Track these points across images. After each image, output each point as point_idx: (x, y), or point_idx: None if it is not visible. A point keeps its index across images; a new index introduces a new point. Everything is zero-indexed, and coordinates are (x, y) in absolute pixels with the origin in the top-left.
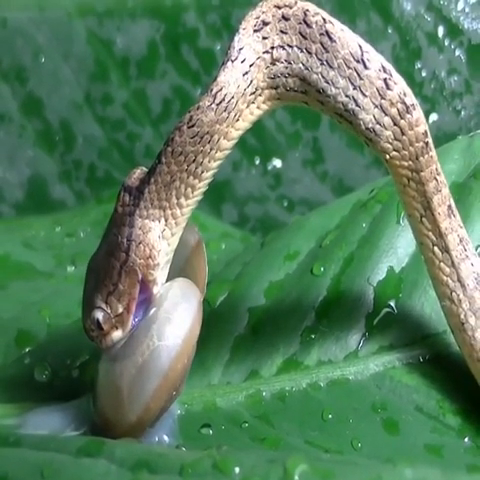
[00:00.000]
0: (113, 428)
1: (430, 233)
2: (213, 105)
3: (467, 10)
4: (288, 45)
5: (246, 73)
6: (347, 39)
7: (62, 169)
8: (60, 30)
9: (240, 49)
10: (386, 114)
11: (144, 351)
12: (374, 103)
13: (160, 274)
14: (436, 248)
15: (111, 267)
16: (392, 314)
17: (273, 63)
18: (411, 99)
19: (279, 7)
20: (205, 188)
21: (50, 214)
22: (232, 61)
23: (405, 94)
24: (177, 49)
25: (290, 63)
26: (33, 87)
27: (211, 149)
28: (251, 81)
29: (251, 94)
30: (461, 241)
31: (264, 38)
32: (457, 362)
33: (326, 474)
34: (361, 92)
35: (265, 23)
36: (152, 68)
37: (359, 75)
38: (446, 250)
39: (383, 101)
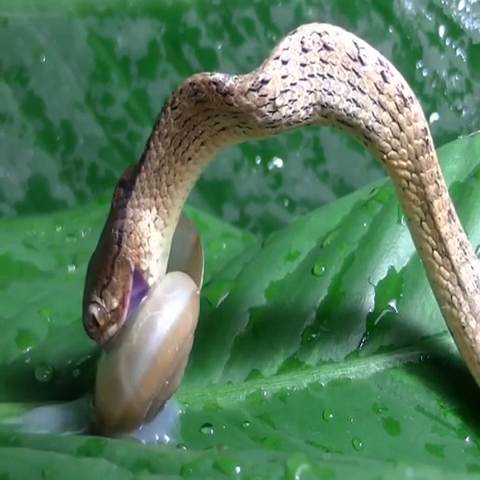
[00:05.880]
0: (106, 420)
1: (430, 237)
2: (193, 98)
3: (468, 10)
4: (291, 84)
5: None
6: (343, 41)
7: (63, 169)
8: (61, 30)
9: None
10: (384, 109)
11: (134, 336)
12: (372, 99)
13: (155, 266)
14: (436, 252)
15: (105, 261)
16: (393, 314)
17: (273, 112)
18: (409, 92)
19: (278, 58)
20: (195, 178)
21: (51, 214)
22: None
23: (403, 86)
24: (178, 49)
25: (295, 100)
26: (34, 87)
27: (196, 137)
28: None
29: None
30: (461, 245)
31: (263, 95)
32: (458, 362)
33: (327, 474)
34: (360, 91)
35: (264, 81)
36: (153, 68)
37: (357, 74)
38: (446, 254)
39: (381, 96)
